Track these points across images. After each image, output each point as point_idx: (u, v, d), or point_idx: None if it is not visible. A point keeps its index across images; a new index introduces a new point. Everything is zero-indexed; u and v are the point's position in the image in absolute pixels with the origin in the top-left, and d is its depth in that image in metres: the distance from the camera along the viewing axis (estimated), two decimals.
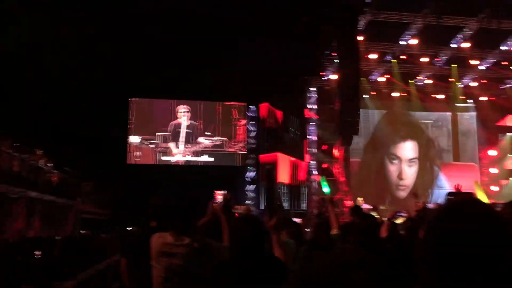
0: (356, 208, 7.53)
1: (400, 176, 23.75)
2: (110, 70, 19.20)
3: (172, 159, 22.19)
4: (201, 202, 3.77)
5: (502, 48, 21.03)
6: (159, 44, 19.21)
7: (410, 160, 24.04)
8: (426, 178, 23.94)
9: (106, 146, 19.29)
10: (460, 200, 1.26)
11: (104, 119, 19.41)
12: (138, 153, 21.94)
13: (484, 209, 1.21)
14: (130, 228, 15.27)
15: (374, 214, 7.07)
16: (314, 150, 22.91)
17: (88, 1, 17.56)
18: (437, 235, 1.21)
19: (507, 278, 1.13)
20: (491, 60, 21.87)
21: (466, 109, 25.08)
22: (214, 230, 3.53)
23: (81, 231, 15.75)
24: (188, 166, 22.29)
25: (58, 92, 17.77)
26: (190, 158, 22.35)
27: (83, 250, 10.57)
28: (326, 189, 8.47)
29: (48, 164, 13.97)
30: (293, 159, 22.44)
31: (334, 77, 21.16)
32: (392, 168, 23.91)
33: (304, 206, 22.10)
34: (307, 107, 23.10)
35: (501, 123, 25.35)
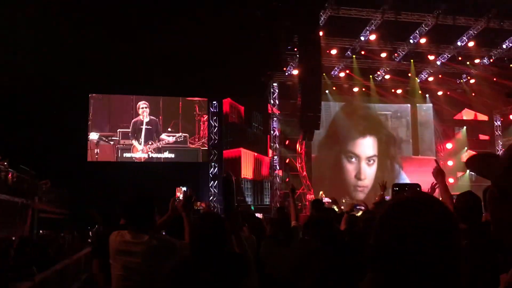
0: (316, 202, 7.63)
1: (358, 176, 23.49)
2: (68, 65, 18.73)
3: (134, 155, 21.86)
4: (161, 199, 3.72)
5: (458, 43, 21.68)
6: (119, 39, 18.84)
7: (369, 158, 23.85)
8: (386, 176, 22.91)
9: (65, 144, 18.82)
10: (406, 196, 1.27)
11: (62, 116, 18.94)
12: (98, 150, 21.52)
13: (430, 204, 1.23)
14: (95, 228, 15.00)
15: (334, 207, 7.17)
16: (277, 145, 23.06)
17: None
18: (383, 229, 1.23)
19: (452, 272, 1.16)
20: (448, 55, 22.51)
21: (423, 101, 25.64)
22: (176, 227, 3.49)
23: (39, 231, 15.34)
24: (150, 163, 22.01)
25: (12, 88, 17.22)
26: (152, 155, 22.08)
27: (41, 250, 10.29)
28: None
29: (3, 163, 13.53)
30: (256, 154, 22.50)
31: (295, 72, 21.34)
32: (350, 167, 23.69)
33: (267, 201, 22.21)
34: (269, 102, 23.19)
35: (457, 117, 26.15)
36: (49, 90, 18.55)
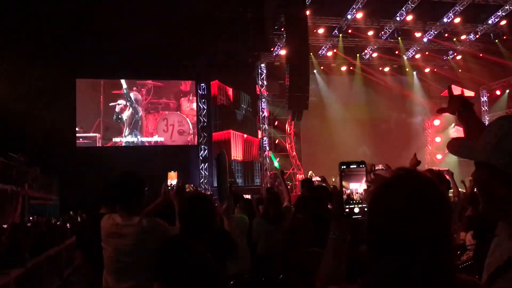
0: (306, 181, 7.68)
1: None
2: (55, 50, 18.47)
3: (123, 140, 21.77)
4: (151, 182, 3.73)
5: (444, 20, 21.72)
6: (104, 22, 18.59)
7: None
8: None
9: (53, 130, 18.65)
10: (394, 174, 1.28)
11: (50, 102, 18.75)
12: (86, 135, 21.37)
13: (419, 182, 1.23)
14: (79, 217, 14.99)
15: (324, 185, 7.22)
16: (266, 126, 23.09)
17: None
18: (374, 207, 1.25)
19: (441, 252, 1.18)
20: (434, 32, 22.55)
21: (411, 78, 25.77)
22: (167, 213, 3.50)
23: (30, 218, 15.30)
24: (139, 147, 21.93)
25: None
26: (141, 138, 21.99)
27: (33, 236, 10.30)
28: (275, 163, 8.60)
29: None
30: (246, 135, 22.52)
31: (283, 52, 21.27)
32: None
33: (257, 181, 22.31)
34: (258, 83, 23.14)
35: (444, 94, 26.28)
36: (36, 77, 18.32)
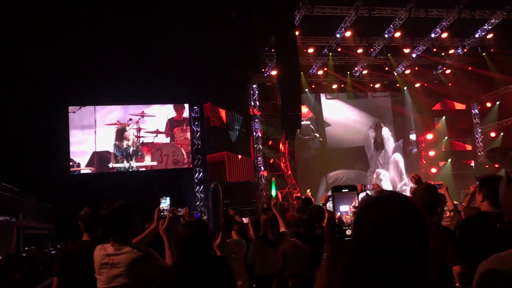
0: (305, 201, 7.66)
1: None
2: (47, 78, 18.51)
3: (116, 166, 21.68)
4: (145, 207, 3.72)
5: (432, 35, 22.01)
6: (95, 49, 18.72)
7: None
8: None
9: (47, 158, 18.60)
10: (377, 195, 1.38)
11: (43, 130, 18.74)
12: (79, 162, 21.27)
13: (397, 200, 1.32)
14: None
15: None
16: (260, 146, 23.13)
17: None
18: (358, 227, 1.32)
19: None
20: (422, 48, 22.83)
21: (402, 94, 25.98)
22: (158, 244, 3.46)
23: (25, 248, 15.14)
24: (133, 172, 21.83)
25: None
26: (134, 163, 21.89)
27: (29, 267, 10.19)
28: (273, 192, 8.58)
29: None
30: (240, 156, 22.52)
31: (274, 72, 21.45)
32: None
33: (254, 202, 22.22)
34: (250, 104, 23.25)
35: (436, 108, 26.51)
36: (29, 104, 18.31)
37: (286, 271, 3.62)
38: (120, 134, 21.89)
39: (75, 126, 21.40)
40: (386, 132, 25.43)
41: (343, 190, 1.65)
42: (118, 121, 21.84)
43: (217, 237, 3.97)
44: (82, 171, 21.21)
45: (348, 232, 1.56)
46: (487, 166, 22.25)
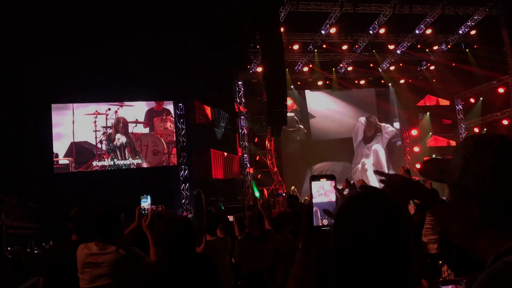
0: (289, 198, 7.69)
1: None
2: (30, 75, 18.23)
3: (101, 163, 21.47)
4: (131, 207, 3.67)
5: (416, 31, 22.16)
6: (78, 45, 18.49)
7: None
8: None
9: (29, 156, 18.35)
10: (358, 192, 1.37)
11: (25, 128, 18.48)
12: (63, 161, 21.01)
13: (379, 198, 1.30)
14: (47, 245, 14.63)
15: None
16: (246, 143, 23.10)
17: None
18: (339, 225, 1.31)
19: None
20: (407, 44, 22.97)
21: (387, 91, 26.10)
22: (141, 241, 3.44)
23: (8, 248, 14.93)
24: (119, 170, 21.64)
25: None
26: (119, 161, 21.69)
27: (13, 266, 10.06)
28: (257, 193, 8.60)
29: None
30: (226, 154, 22.46)
31: (260, 69, 21.43)
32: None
33: (239, 199, 22.20)
34: (236, 101, 23.20)
35: (420, 104, 26.72)
36: (11, 102, 18.02)
37: (278, 267, 3.59)
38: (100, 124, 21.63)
39: (56, 122, 21.13)
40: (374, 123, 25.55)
41: (321, 179, 1.62)
42: (96, 111, 21.58)
43: (201, 243, 3.97)
44: (60, 162, 20.91)
45: (325, 222, 1.54)
46: None
